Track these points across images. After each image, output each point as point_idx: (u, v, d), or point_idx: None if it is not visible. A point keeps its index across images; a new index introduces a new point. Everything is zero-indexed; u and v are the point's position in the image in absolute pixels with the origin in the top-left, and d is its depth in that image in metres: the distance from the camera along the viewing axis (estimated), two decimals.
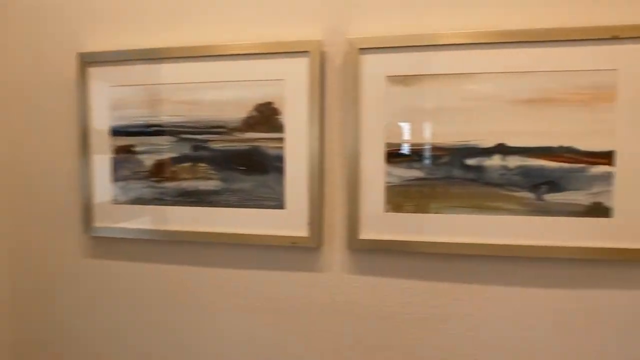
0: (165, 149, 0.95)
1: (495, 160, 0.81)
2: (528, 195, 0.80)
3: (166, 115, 0.94)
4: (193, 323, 0.99)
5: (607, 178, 0.78)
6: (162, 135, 0.95)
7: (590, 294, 0.82)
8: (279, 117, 0.89)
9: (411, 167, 0.84)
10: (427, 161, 0.83)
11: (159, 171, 0.96)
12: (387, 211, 0.85)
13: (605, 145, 0.78)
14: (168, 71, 0.93)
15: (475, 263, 0.85)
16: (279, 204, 0.90)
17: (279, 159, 0.89)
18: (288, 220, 0.89)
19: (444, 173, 0.83)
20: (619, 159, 0.78)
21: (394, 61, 0.84)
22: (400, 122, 0.84)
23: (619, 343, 0.82)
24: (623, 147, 0.77)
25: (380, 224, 0.86)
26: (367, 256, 0.89)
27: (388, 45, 0.83)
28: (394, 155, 0.85)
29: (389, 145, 0.85)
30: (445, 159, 0.83)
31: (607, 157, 0.78)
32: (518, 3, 0.81)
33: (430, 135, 0.83)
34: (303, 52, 0.86)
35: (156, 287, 1.00)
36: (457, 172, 0.82)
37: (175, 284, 0.99)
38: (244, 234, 0.92)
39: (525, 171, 0.80)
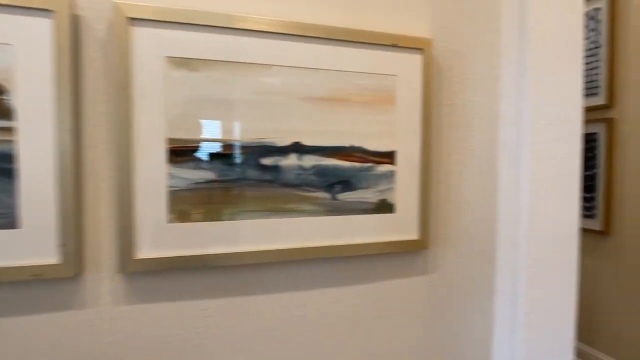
0: None
1: (292, 160, 0.76)
2: (324, 195, 0.78)
3: None
4: None
5: (390, 176, 0.83)
6: None
7: (380, 286, 0.86)
8: (5, 98, 0.62)
9: (200, 168, 0.71)
10: (218, 160, 0.72)
11: None
12: (170, 222, 0.70)
13: (388, 146, 0.83)
14: None
15: (275, 270, 0.79)
16: (10, 222, 0.63)
17: (8, 157, 0.62)
18: (26, 244, 0.64)
19: (238, 174, 0.73)
20: (398, 158, 0.83)
21: (176, 39, 0.69)
22: (186, 113, 0.70)
23: (407, 326, 0.89)
24: (401, 147, 0.83)
25: (163, 238, 0.70)
26: (147, 279, 0.71)
27: (169, 20, 0.68)
28: (178, 154, 0.70)
29: (171, 141, 0.69)
30: (239, 158, 0.73)
31: (390, 157, 0.83)
32: None
33: (222, 130, 0.72)
34: (43, 11, 0.63)
35: None
36: (252, 173, 0.74)
37: None
38: None
39: (320, 171, 0.78)
